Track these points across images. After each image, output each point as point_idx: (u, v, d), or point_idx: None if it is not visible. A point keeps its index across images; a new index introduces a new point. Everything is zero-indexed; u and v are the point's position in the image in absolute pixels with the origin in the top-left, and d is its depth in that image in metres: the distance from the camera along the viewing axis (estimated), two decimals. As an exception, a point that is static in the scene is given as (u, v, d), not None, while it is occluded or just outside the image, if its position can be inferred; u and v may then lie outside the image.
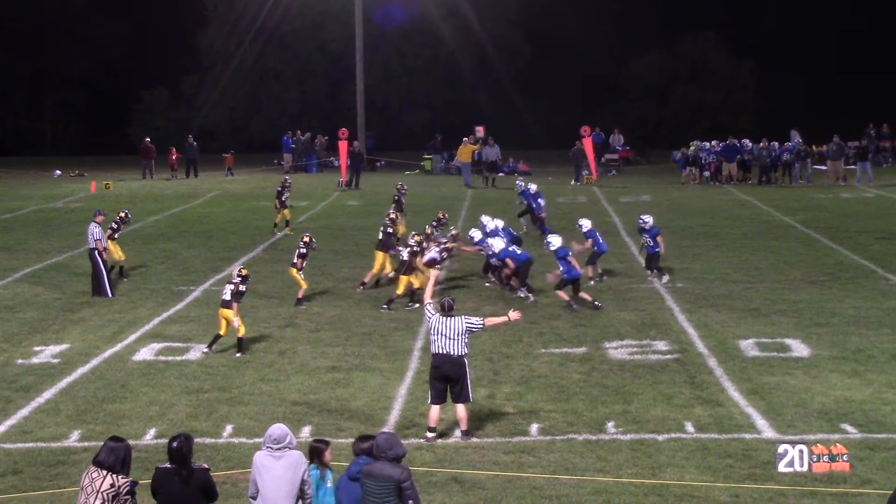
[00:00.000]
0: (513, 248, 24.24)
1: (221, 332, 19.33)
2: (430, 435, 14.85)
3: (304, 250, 23.08)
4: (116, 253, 25.89)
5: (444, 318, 14.87)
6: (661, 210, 36.63)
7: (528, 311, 22.36)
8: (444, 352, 14.69)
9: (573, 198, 42.14)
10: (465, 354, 14.81)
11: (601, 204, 40.13)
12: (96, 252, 24.29)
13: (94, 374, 18.13)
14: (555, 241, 22.69)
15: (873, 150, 51.49)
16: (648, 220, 25.08)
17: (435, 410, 14.87)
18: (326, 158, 57.48)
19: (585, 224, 25.25)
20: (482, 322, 15.11)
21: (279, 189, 33.39)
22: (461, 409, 14.84)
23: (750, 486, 12.95)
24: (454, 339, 14.70)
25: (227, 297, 19.21)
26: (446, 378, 14.70)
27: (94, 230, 24.45)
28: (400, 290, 22.92)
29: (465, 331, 14.75)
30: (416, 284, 22.90)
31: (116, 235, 26.12)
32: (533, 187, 32.17)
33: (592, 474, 13.39)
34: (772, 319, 21.31)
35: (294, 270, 23.05)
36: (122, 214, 26.97)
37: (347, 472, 10.60)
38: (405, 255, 23.07)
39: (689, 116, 72.51)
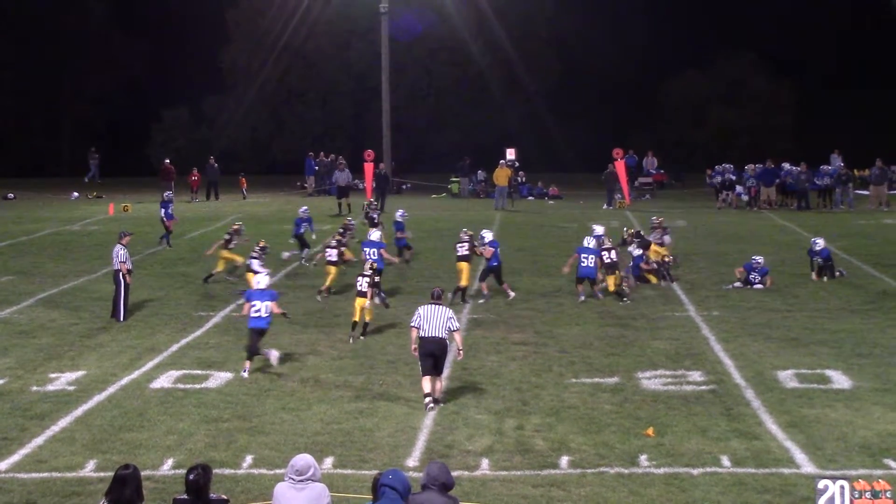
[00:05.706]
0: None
1: None
2: (427, 400, 17.14)
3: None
4: (232, 259, 28.66)
5: (432, 305, 17.50)
6: (696, 236, 36.50)
7: (558, 339, 21.99)
8: (432, 335, 17.20)
9: (606, 222, 41.61)
10: (446, 337, 17.33)
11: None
12: (120, 274, 24.16)
13: (111, 401, 17.85)
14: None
15: (917, 175, 50.96)
16: (820, 242, 28.68)
17: (426, 381, 17.20)
18: (351, 181, 57.18)
19: (487, 235, 26.87)
20: (458, 326, 17.72)
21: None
22: (438, 382, 17.40)
23: (789, 523, 12.63)
24: (439, 325, 17.24)
25: None
26: (432, 355, 17.14)
27: (119, 252, 24.35)
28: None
29: (448, 320, 17.30)
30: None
31: (231, 245, 28.64)
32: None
33: (625, 510, 13.13)
34: (811, 350, 20.86)
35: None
36: (236, 227, 29.73)
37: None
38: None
39: (726, 139, 71.47)
